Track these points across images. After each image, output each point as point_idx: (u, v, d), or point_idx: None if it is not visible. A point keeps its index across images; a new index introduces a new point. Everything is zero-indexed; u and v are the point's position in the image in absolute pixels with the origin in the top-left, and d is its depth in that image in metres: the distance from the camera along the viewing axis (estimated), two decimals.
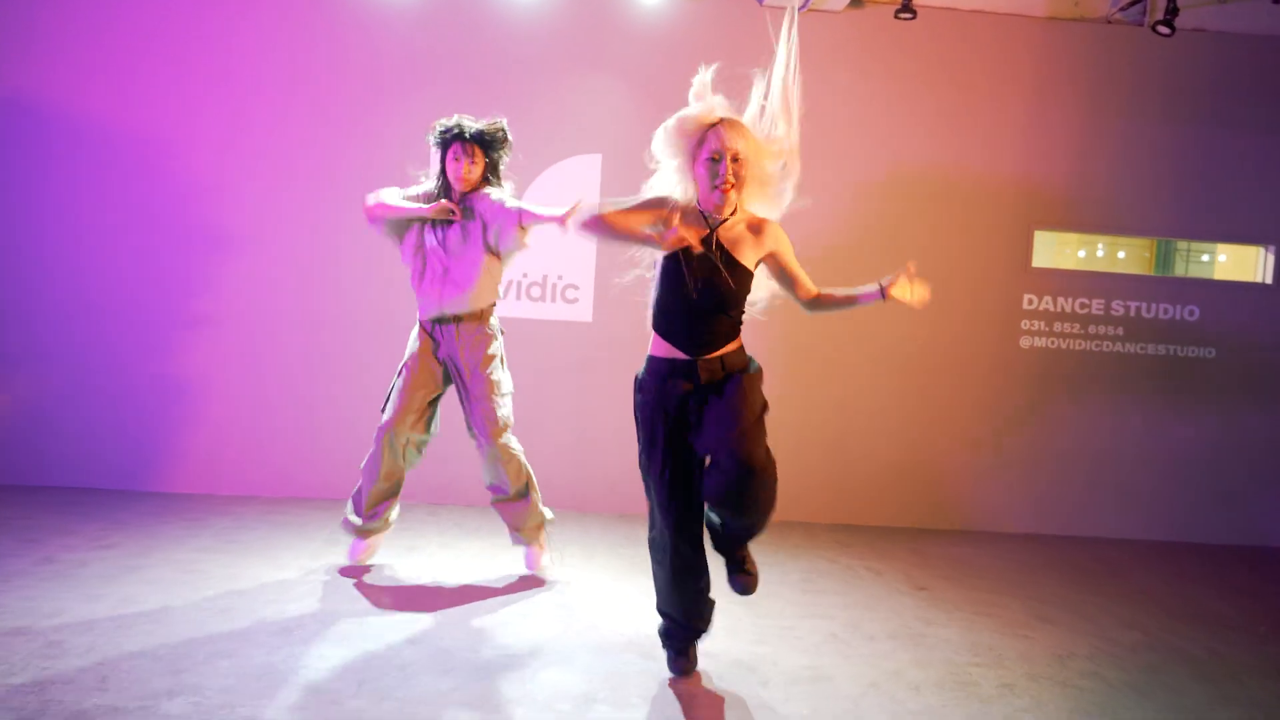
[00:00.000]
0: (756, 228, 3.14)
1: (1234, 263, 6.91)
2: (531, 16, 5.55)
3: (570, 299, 5.74)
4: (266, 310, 5.51)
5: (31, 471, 5.46)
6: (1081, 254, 7.53)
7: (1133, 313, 5.98)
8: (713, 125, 3.10)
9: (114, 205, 5.47)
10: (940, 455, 5.87)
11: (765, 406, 3.10)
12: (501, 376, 4.26)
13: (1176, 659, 3.81)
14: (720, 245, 3.01)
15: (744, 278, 3.05)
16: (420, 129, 5.49)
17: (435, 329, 4.21)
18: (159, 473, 5.53)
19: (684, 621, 3.21)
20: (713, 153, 3.02)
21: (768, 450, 3.03)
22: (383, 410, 4.22)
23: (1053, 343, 5.94)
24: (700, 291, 2.95)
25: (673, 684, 3.18)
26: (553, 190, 5.46)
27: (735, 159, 3.02)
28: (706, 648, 3.51)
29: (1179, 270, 7.41)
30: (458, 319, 4.17)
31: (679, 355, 3.00)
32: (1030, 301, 5.91)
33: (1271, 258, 6.08)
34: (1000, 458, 5.90)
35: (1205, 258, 7.50)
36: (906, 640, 3.78)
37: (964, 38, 5.77)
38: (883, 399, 5.82)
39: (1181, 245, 7.41)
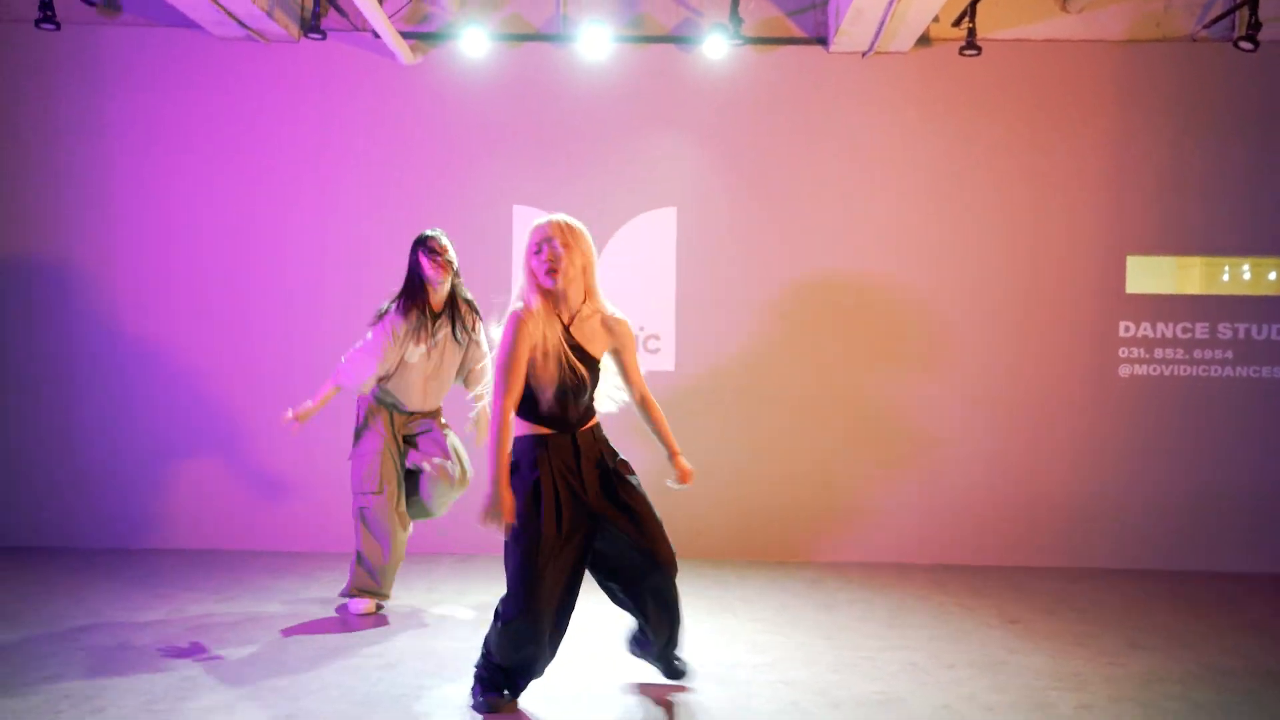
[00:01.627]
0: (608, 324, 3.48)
1: None
2: (601, 77, 6.00)
3: (653, 349, 6.09)
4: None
5: (157, 536, 6.09)
6: (1199, 281, 7.49)
7: (1241, 335, 6.03)
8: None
9: (213, 282, 6.10)
10: (1040, 491, 5.99)
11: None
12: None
13: (1274, 684, 3.90)
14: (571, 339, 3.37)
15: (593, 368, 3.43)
16: (502, 192, 6.00)
17: None
18: (270, 533, 6.09)
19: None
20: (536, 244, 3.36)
21: None
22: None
23: (1154, 370, 6.03)
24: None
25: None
26: (632, 244, 5.92)
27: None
28: (786, 675, 3.81)
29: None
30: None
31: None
32: (1128, 329, 6.03)
33: None
34: (1103, 491, 5.99)
35: None
36: (987, 668, 3.95)
37: (1040, 67, 6.01)
38: (977, 435, 6.00)
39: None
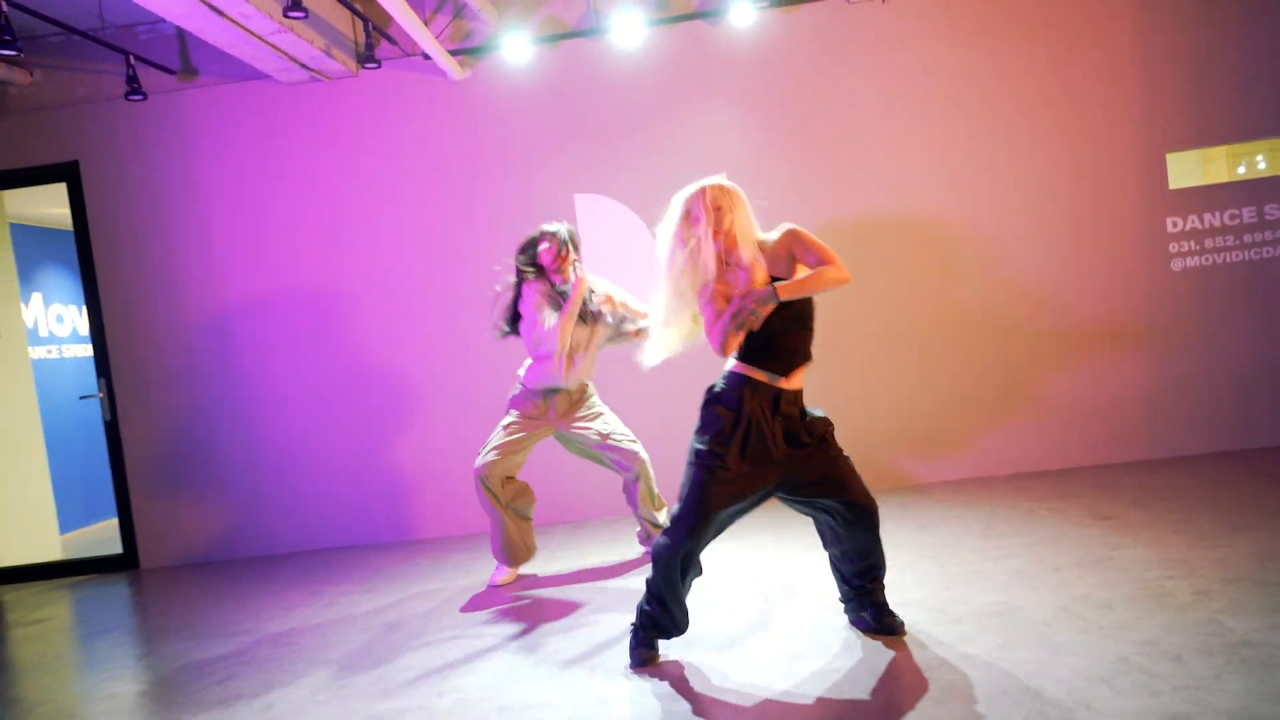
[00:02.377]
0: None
1: None
2: (638, 62, 5.75)
3: None
4: (459, 386, 5.94)
5: (304, 538, 6.06)
6: (1241, 169, 7.04)
7: None
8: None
9: (311, 303, 6.01)
10: (1110, 389, 5.61)
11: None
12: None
13: None
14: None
15: None
16: (562, 184, 5.79)
17: None
18: (405, 524, 6.02)
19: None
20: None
21: None
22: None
23: (1206, 259, 5.61)
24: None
25: (861, 631, 3.26)
26: None
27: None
28: (900, 597, 3.56)
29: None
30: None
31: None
32: (1175, 224, 5.62)
33: None
34: (1171, 381, 5.60)
35: None
36: (1092, 566, 3.65)
37: None
38: (1042, 342, 5.64)
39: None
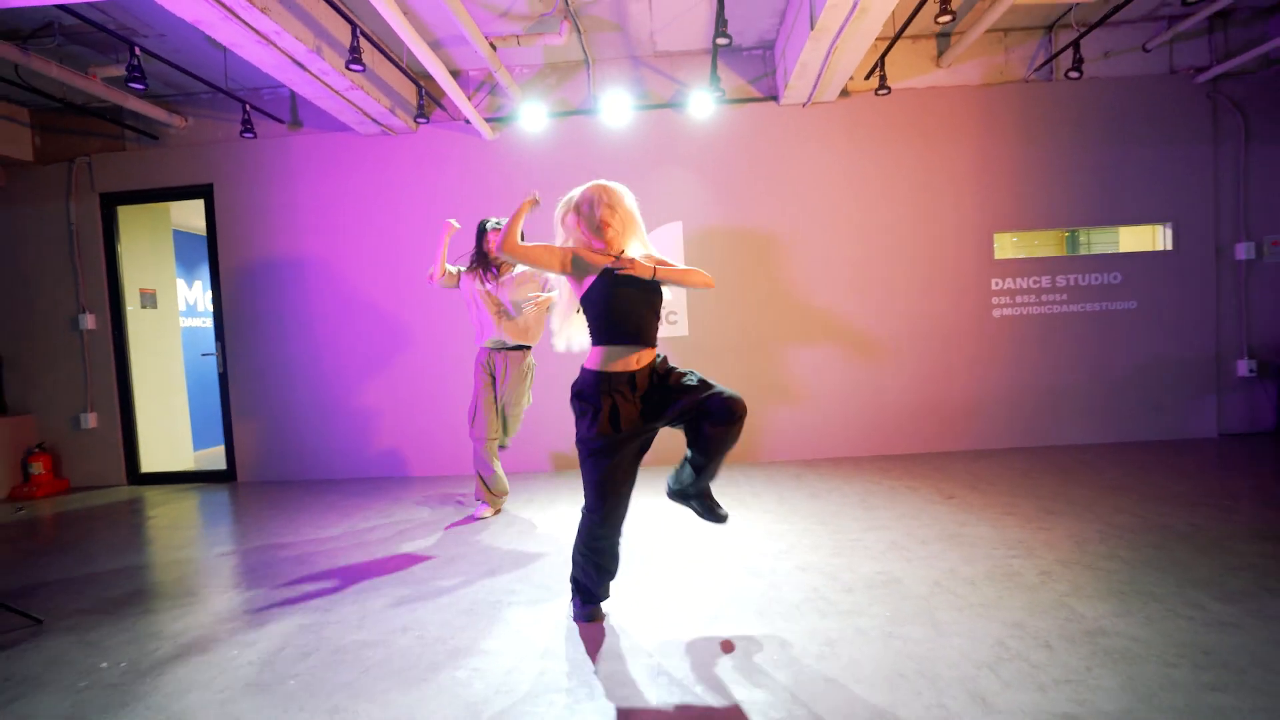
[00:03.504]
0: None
1: (1131, 240, 5.73)
2: (622, 135, 4.91)
3: (672, 321, 5.00)
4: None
5: (352, 468, 5.15)
6: (1015, 240, 6.42)
7: (1072, 283, 4.92)
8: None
9: (373, 304, 5.12)
10: (946, 396, 4.91)
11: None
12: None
13: (1170, 536, 2.87)
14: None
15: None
16: (554, 225, 4.95)
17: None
18: (421, 462, 5.13)
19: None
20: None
21: None
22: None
23: (1016, 311, 4.92)
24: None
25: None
26: (656, 245, 4.85)
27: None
28: (801, 561, 2.78)
29: (1083, 251, 6.29)
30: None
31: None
32: (997, 283, 4.92)
33: (1169, 231, 4.94)
34: (990, 394, 4.92)
35: (1105, 241, 6.29)
36: (950, 542, 2.94)
37: (923, 107, 4.86)
38: (903, 359, 4.91)
39: (1082, 232, 6.28)
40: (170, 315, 6.01)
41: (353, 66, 3.54)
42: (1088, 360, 4.91)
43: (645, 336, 2.19)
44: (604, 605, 2.38)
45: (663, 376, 2.19)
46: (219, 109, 5.19)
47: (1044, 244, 6.43)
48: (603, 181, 2.33)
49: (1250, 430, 4.95)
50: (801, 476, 4.35)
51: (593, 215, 2.26)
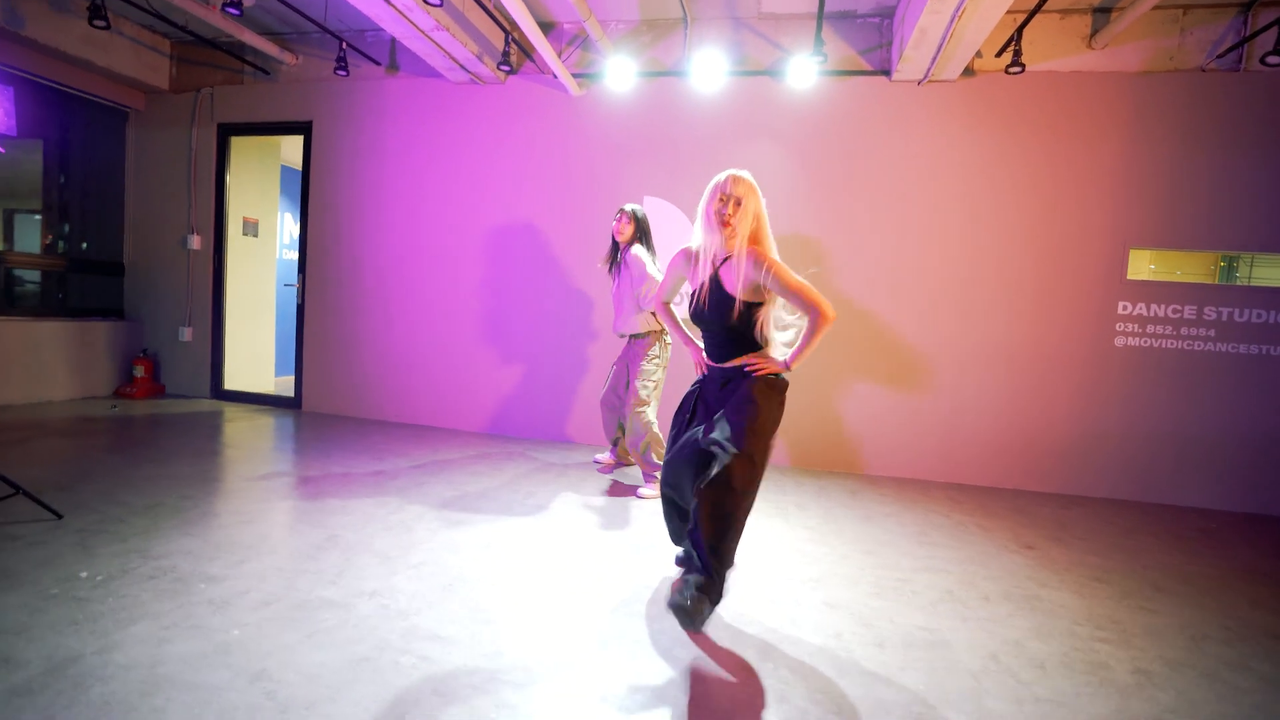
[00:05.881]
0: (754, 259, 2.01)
1: None
2: (713, 101, 4.42)
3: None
4: (550, 319, 4.79)
5: (403, 412, 5.06)
6: (1152, 267, 5.42)
7: (1224, 317, 4.00)
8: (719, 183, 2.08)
9: (450, 250, 4.93)
10: (1044, 428, 4.16)
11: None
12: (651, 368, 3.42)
13: None
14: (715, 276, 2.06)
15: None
16: (639, 185, 4.61)
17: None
18: (469, 417, 4.94)
19: None
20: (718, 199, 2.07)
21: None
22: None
23: (1145, 342, 4.08)
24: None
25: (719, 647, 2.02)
26: None
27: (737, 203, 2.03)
28: (831, 596, 2.31)
29: (1240, 279, 5.19)
30: (624, 336, 3.48)
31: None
32: (1125, 308, 4.09)
33: None
34: (1097, 433, 4.11)
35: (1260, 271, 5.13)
36: (1022, 603, 2.36)
37: (1064, 93, 4.05)
38: (994, 378, 4.20)
39: (1243, 260, 5.18)
40: (269, 245, 6.14)
41: (430, 1, 3.29)
42: (1230, 410, 4.00)
43: (722, 356, 2.14)
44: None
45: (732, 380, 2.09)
46: (326, 48, 5.16)
47: (1191, 270, 5.37)
48: (729, 173, 2.07)
49: None
50: (858, 494, 3.79)
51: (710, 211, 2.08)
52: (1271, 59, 3.40)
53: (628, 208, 3.44)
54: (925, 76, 4.07)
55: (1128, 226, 4.06)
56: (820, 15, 3.58)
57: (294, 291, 6.00)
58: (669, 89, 4.52)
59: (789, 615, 2.13)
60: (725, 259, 2.04)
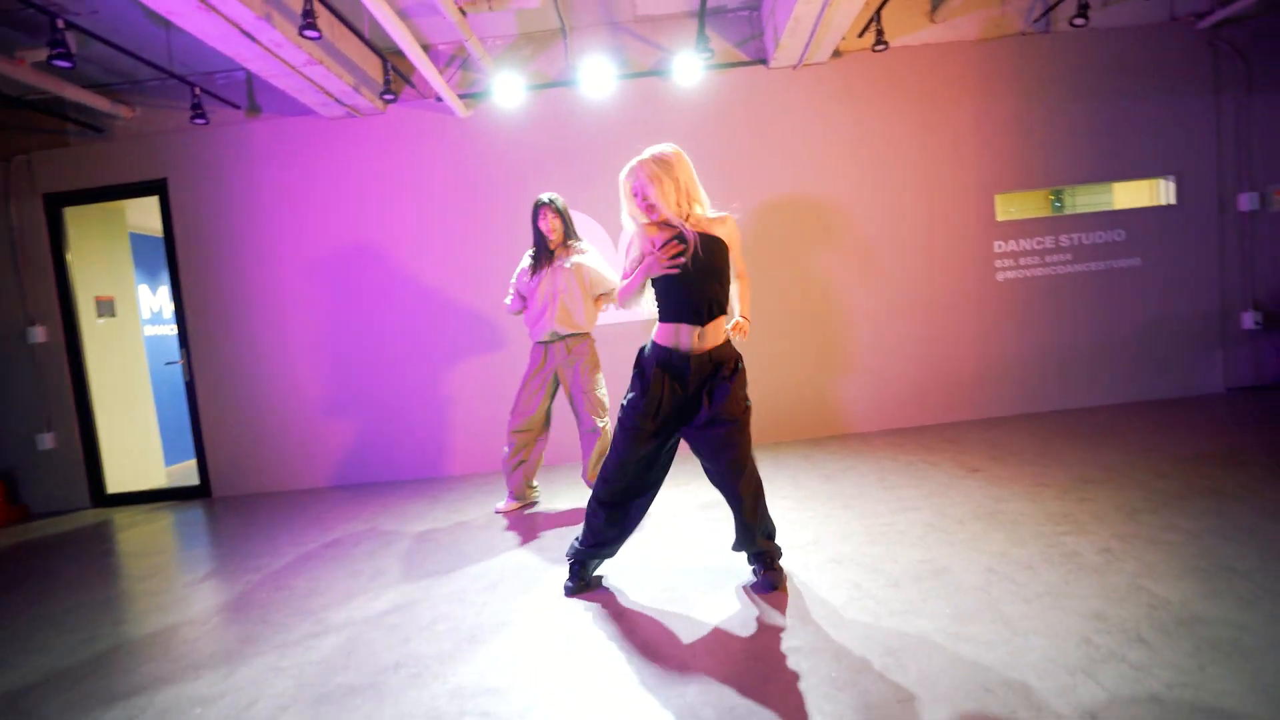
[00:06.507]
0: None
1: (1126, 197, 5.45)
2: (603, 107, 4.50)
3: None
4: (461, 349, 4.65)
5: (337, 475, 4.72)
6: (1013, 210, 6.12)
7: (1076, 242, 4.63)
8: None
9: (344, 291, 4.66)
10: (955, 365, 4.61)
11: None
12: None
13: (1224, 500, 2.58)
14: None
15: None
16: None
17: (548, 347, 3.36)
18: (413, 465, 4.71)
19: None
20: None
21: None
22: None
23: (1021, 274, 4.62)
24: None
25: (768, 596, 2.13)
26: None
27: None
28: (833, 552, 2.45)
29: (1069, 209, 6.01)
30: (559, 339, 3.32)
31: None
32: (1000, 246, 4.61)
33: (1172, 185, 4.67)
34: (998, 360, 4.61)
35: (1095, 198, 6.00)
36: (989, 520, 2.63)
37: (918, 65, 4.52)
38: (907, 328, 4.59)
39: (1068, 193, 6.01)
40: (131, 324, 5.47)
41: (307, 33, 3.10)
42: (1094, 321, 4.64)
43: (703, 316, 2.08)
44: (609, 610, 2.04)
45: (713, 372, 2.08)
46: (169, 96, 4.68)
47: (1030, 208, 6.12)
48: (650, 152, 2.12)
49: (1256, 384, 4.72)
50: (810, 456, 4.02)
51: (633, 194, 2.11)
52: (1077, 21, 3.99)
53: (546, 198, 3.27)
54: (800, 61, 4.37)
55: (990, 176, 4.58)
56: (702, 12, 3.76)
57: (177, 369, 5.42)
58: (559, 100, 4.53)
59: (805, 579, 2.25)
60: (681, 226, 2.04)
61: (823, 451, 4.12)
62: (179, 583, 2.91)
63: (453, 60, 4.55)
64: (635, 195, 2.04)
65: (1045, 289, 4.63)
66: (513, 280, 3.41)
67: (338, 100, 4.30)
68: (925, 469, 3.46)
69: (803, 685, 1.62)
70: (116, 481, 5.01)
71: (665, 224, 2.08)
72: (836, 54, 4.49)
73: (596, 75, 4.30)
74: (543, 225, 3.27)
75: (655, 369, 2.07)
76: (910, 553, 2.38)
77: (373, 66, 4.33)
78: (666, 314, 2.08)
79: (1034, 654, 1.66)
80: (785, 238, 4.56)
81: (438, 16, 4.13)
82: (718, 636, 1.90)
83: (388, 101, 4.40)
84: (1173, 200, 4.68)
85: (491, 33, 4.47)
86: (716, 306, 2.07)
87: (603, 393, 3.34)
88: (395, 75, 4.37)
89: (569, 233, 3.32)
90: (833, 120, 4.53)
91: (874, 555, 2.39)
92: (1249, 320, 4.68)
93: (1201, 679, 1.49)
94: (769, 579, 2.17)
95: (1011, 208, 4.85)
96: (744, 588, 2.21)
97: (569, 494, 3.70)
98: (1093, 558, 2.18)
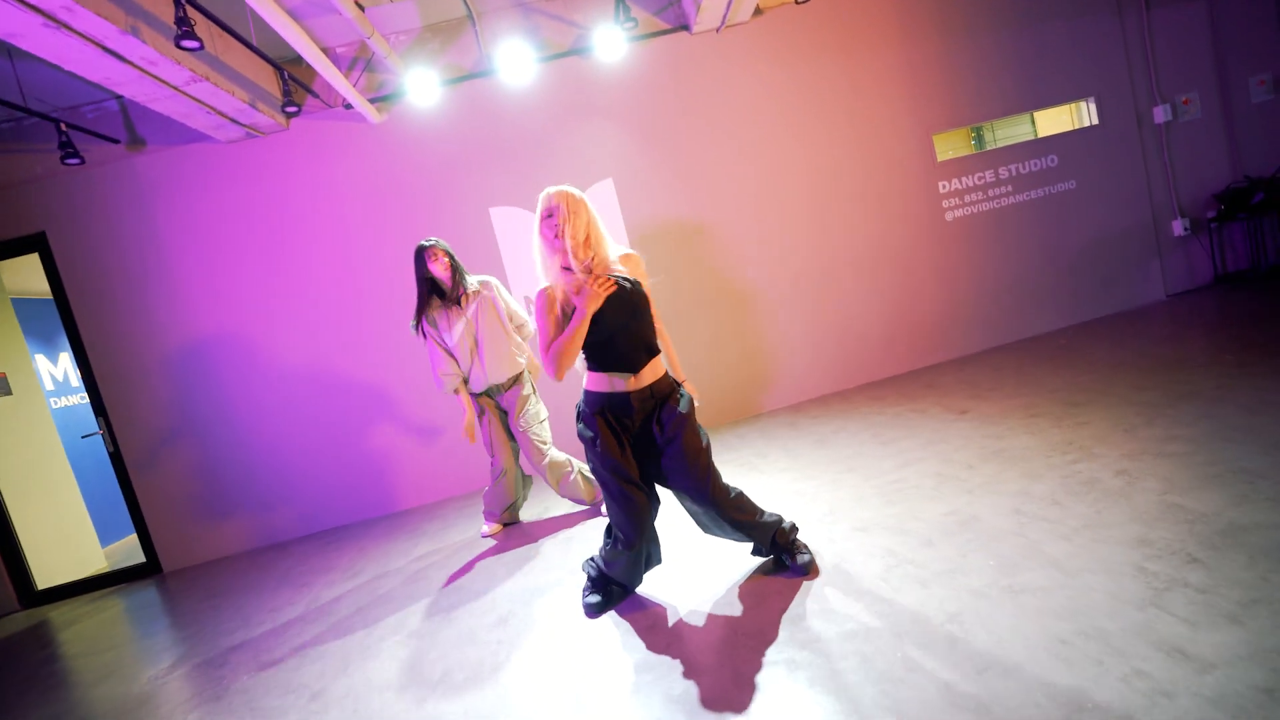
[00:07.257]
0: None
1: (1048, 124, 5.60)
2: (527, 94, 4.25)
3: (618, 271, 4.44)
4: (402, 391, 4.34)
5: (293, 526, 4.35)
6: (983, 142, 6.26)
7: (1015, 172, 4.70)
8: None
9: (264, 325, 4.29)
10: (918, 310, 4.61)
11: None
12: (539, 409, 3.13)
13: (1208, 402, 2.62)
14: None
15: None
16: (478, 199, 4.34)
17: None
18: (384, 499, 4.40)
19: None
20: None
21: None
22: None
23: (968, 211, 4.66)
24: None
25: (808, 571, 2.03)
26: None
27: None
28: (854, 520, 2.35)
29: (989, 144, 6.16)
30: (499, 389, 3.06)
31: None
32: (944, 186, 4.62)
33: (1093, 105, 4.79)
34: (958, 300, 4.64)
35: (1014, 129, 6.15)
36: (996, 459, 2.59)
37: (840, 13, 4.45)
38: (866, 281, 4.55)
39: (986, 128, 6.15)
40: (33, 399, 4.90)
41: (185, 44, 2.73)
42: (1041, 247, 4.73)
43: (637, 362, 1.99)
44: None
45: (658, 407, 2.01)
46: (30, 139, 4.14)
47: (956, 146, 6.23)
48: (550, 191, 1.96)
49: (1192, 287, 4.93)
50: (796, 424, 3.94)
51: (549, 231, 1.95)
52: None
53: (429, 241, 2.95)
54: (723, 23, 4.23)
55: (926, 117, 4.58)
56: None
57: (97, 441, 4.88)
58: (480, 91, 4.25)
59: (836, 555, 2.14)
60: (587, 270, 1.93)
61: (806, 417, 4.05)
62: (142, 680, 2.57)
63: (356, 62, 4.20)
64: (549, 215, 1.93)
65: (993, 222, 4.68)
66: (430, 355, 3.02)
67: (234, 120, 3.89)
68: (914, 418, 3.42)
69: (873, 673, 1.50)
70: (46, 576, 4.48)
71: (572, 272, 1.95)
72: (758, 12, 4.37)
73: (514, 61, 4.04)
74: (434, 268, 2.93)
75: (598, 418, 1.98)
76: (931, 507, 2.30)
77: (268, 78, 3.94)
78: (596, 365, 1.99)
79: (1096, 594, 1.59)
80: (730, 205, 4.44)
81: (334, 15, 3.78)
82: (763, 637, 1.77)
83: (291, 115, 4.02)
84: (1095, 120, 4.80)
85: (394, 28, 4.14)
86: (646, 351, 1.99)
87: (541, 428, 3.08)
88: (295, 85, 3.99)
89: (460, 269, 3.00)
90: (763, 79, 4.41)
91: (896, 515, 2.31)
92: (1179, 228, 4.87)
93: (1270, 590, 1.45)
94: (800, 565, 2.07)
95: (947, 149, 4.88)
96: (780, 578, 2.09)
97: (552, 501, 3.50)
98: (1112, 481, 2.15)
